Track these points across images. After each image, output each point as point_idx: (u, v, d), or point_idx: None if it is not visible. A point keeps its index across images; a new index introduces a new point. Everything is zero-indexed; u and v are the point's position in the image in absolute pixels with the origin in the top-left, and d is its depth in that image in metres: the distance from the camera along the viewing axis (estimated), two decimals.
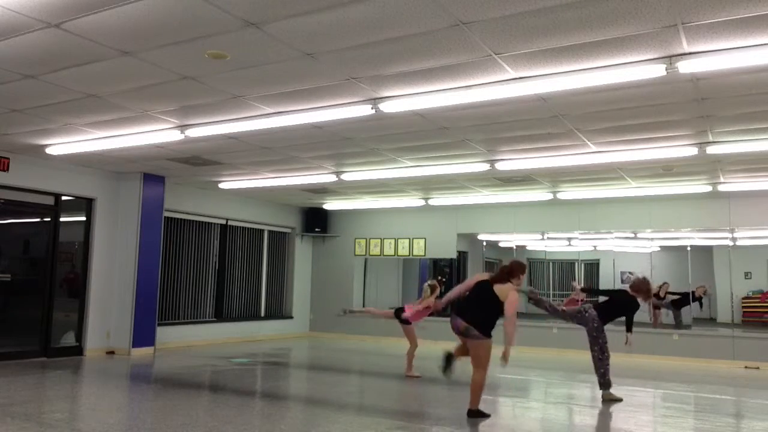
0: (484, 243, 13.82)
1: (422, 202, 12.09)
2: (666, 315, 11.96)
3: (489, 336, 5.65)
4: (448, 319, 5.94)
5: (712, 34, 4.21)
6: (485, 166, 8.46)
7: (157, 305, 10.30)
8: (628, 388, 7.91)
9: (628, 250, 12.56)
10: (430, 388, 7.62)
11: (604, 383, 6.87)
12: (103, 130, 7.34)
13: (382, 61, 4.88)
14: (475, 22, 4.14)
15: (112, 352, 9.92)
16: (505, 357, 5.52)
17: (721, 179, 9.14)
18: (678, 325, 11.46)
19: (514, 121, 6.42)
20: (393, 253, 13.56)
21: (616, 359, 10.64)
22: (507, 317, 5.58)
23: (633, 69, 4.77)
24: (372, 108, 5.92)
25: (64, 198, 9.59)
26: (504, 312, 5.61)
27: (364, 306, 13.72)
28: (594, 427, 5.59)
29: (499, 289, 5.75)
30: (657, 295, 12.16)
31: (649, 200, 11.01)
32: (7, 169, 8.70)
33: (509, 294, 5.69)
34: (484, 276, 5.99)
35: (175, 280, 11.47)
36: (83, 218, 9.91)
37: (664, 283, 11.90)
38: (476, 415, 5.74)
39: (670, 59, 4.61)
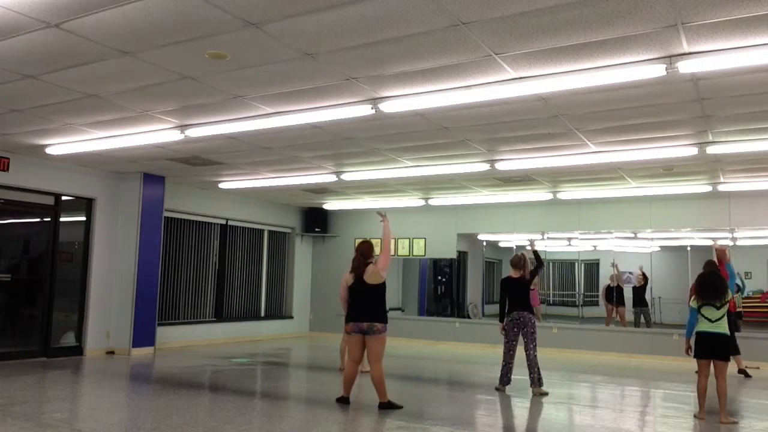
0: (484, 243, 13.84)
1: (422, 202, 12.09)
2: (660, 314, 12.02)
3: (386, 323, 6.12)
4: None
5: (712, 34, 4.21)
6: (485, 166, 8.47)
7: (157, 305, 10.30)
8: (628, 388, 7.91)
9: (628, 250, 12.57)
10: (430, 388, 7.62)
11: None
12: (103, 130, 7.34)
13: (382, 61, 4.88)
14: (475, 22, 4.14)
15: (112, 352, 9.92)
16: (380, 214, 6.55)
17: (721, 179, 9.14)
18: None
19: (514, 121, 6.42)
20: (393, 253, 13.57)
21: (614, 359, 10.66)
22: (388, 243, 6.30)
23: (633, 69, 4.77)
24: (372, 108, 5.92)
25: (64, 198, 9.60)
26: (388, 250, 6.26)
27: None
28: (594, 427, 5.59)
29: (368, 276, 6.13)
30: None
31: (649, 200, 11.01)
32: (7, 169, 8.70)
33: (378, 267, 6.15)
34: (347, 278, 6.32)
35: (175, 280, 11.47)
36: (83, 218, 9.91)
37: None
38: (389, 406, 6.07)
39: (670, 59, 4.61)
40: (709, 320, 5.91)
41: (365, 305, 6.14)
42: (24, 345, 9.13)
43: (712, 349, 5.91)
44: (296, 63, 4.97)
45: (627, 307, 12.12)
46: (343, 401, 6.29)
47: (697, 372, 6.12)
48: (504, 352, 7.40)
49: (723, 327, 5.89)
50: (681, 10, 3.86)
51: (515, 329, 7.33)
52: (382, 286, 6.20)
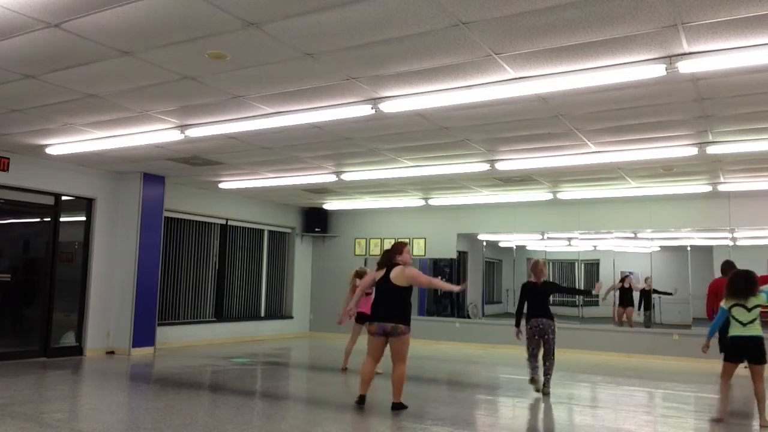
0: (484, 243, 13.83)
1: (422, 202, 12.09)
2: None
3: (409, 324, 6.02)
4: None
5: (712, 34, 4.21)
6: (485, 166, 8.47)
7: (157, 305, 10.30)
8: (628, 388, 7.91)
9: (628, 250, 12.56)
10: (430, 388, 7.62)
11: None
12: (103, 130, 7.34)
13: (382, 61, 4.88)
14: (475, 22, 4.14)
15: (112, 352, 9.92)
16: (459, 287, 6.66)
17: (721, 179, 9.14)
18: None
19: (514, 121, 6.42)
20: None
21: (614, 359, 10.67)
22: (429, 286, 6.18)
23: (633, 69, 4.77)
24: (372, 108, 5.92)
25: (64, 198, 9.60)
26: (422, 285, 6.15)
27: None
28: (594, 427, 5.59)
29: (394, 276, 6.04)
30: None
31: (649, 200, 11.01)
32: (7, 169, 8.70)
33: (405, 272, 6.04)
34: (375, 273, 6.29)
35: (175, 280, 11.47)
36: (83, 218, 9.91)
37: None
38: (401, 407, 6.03)
39: (670, 59, 4.61)
40: (741, 323, 5.69)
41: (391, 305, 6.02)
42: (24, 345, 9.13)
43: (746, 353, 5.68)
44: (296, 63, 4.97)
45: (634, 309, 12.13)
46: (362, 401, 6.13)
47: (722, 375, 5.84)
48: (528, 358, 7.18)
49: (756, 329, 5.66)
50: (681, 10, 3.86)
51: (536, 336, 7.10)
52: (409, 289, 6.10)
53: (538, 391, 7.06)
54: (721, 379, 5.87)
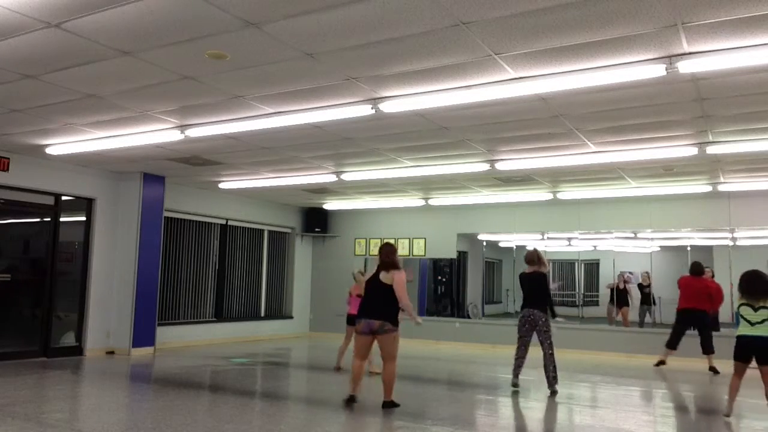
0: (484, 243, 13.83)
1: (422, 202, 12.09)
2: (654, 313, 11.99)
3: (397, 324, 6.04)
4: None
5: (712, 34, 4.21)
6: (485, 166, 8.47)
7: (157, 305, 10.30)
8: (628, 387, 7.91)
9: (628, 250, 12.57)
10: (430, 388, 7.62)
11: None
12: (103, 130, 7.34)
13: (382, 61, 4.88)
14: (475, 22, 4.14)
15: (112, 352, 9.92)
16: (416, 322, 6.31)
17: (721, 179, 9.15)
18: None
19: (514, 121, 6.42)
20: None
21: (614, 359, 10.66)
22: (401, 300, 6.02)
23: (633, 69, 4.77)
24: (372, 108, 5.92)
25: (64, 198, 9.60)
26: (397, 295, 6.02)
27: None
28: (594, 427, 5.59)
29: (384, 276, 6.08)
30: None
31: (649, 200, 11.01)
32: (7, 169, 8.70)
33: (396, 276, 6.05)
34: (370, 274, 6.34)
35: (175, 280, 11.47)
36: (83, 218, 9.91)
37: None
38: (392, 405, 6.07)
39: (670, 59, 4.61)
40: (749, 323, 5.69)
41: (379, 303, 6.04)
42: (24, 345, 9.13)
43: (753, 353, 5.68)
44: (296, 63, 4.97)
45: (631, 307, 12.14)
46: (352, 400, 6.19)
47: (733, 374, 5.85)
48: (516, 348, 7.24)
49: (764, 330, 5.64)
50: (681, 10, 3.86)
51: (527, 326, 7.16)
52: (392, 290, 6.09)
53: (514, 386, 7.23)
54: (733, 376, 5.84)
